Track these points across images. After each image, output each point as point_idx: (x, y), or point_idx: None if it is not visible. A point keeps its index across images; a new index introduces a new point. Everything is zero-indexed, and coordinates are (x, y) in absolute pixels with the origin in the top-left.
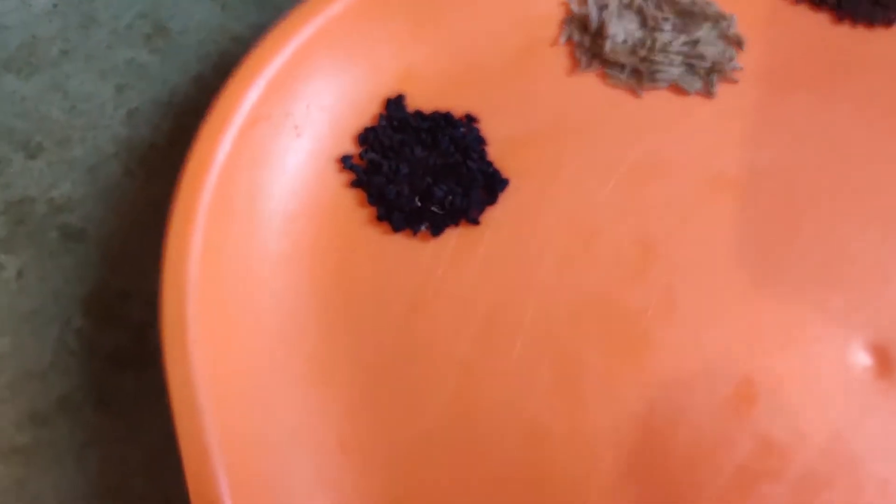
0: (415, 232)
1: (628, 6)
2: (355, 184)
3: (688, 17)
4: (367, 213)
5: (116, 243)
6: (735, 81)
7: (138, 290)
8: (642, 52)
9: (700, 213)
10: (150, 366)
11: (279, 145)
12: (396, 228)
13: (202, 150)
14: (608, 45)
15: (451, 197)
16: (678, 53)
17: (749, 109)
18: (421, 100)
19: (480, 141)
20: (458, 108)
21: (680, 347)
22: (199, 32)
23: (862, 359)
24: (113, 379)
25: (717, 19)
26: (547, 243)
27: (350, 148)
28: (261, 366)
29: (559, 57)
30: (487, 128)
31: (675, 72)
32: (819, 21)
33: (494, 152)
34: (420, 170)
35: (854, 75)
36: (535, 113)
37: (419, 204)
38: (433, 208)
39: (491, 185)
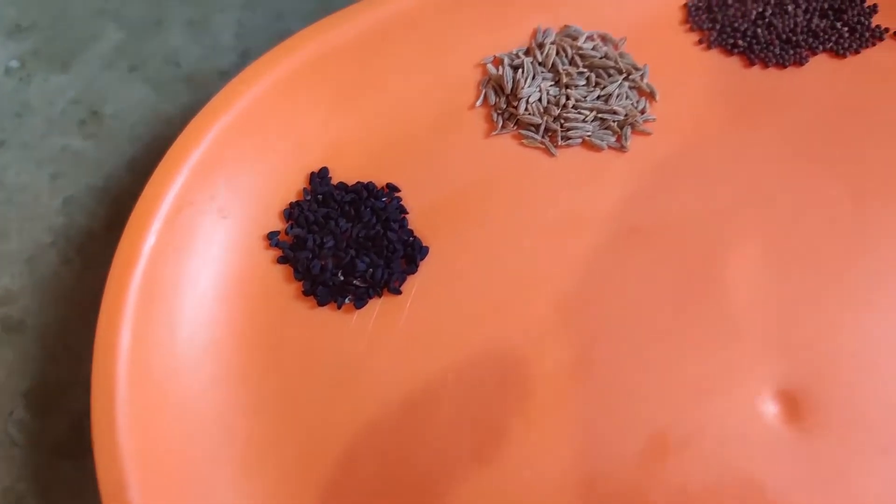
0: (339, 305)
1: (542, 63)
2: (282, 260)
3: (601, 71)
4: (295, 287)
5: (56, 333)
6: (648, 133)
7: (78, 380)
8: (555, 111)
9: (615, 268)
10: (90, 455)
11: (205, 230)
12: (321, 303)
13: (128, 242)
14: (521, 107)
15: (372, 269)
16: (591, 109)
17: (662, 160)
18: (345, 171)
19: (402, 210)
20: (381, 177)
21: (595, 405)
22: (131, 115)
23: (770, 407)
24: (55, 469)
25: (630, 71)
26: (467, 308)
27: (277, 224)
28: (194, 453)
29: (477, 119)
30: (409, 195)
31: (588, 128)
32: (731, 65)
33: (416, 220)
34: (344, 242)
35: (766, 117)
36: (454, 178)
37: (342, 278)
38: (355, 282)
39: (411, 254)
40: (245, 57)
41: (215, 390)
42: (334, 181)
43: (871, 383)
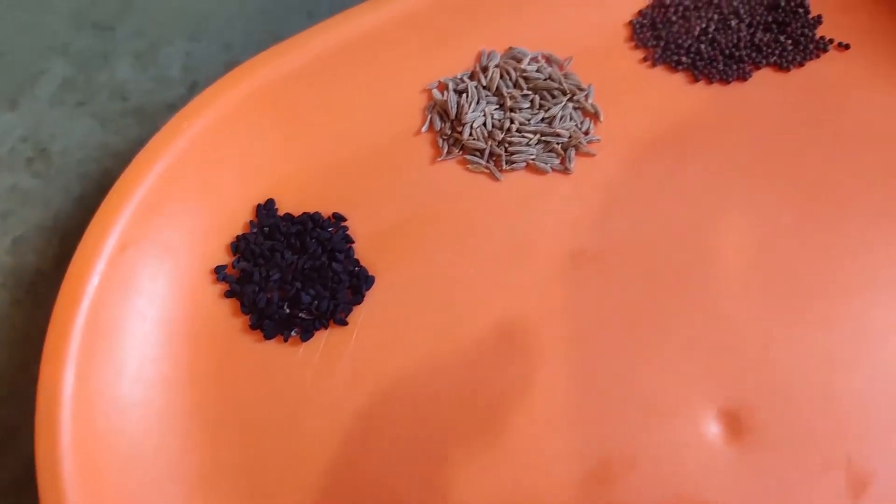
0: (285, 339)
1: (487, 87)
2: (229, 294)
3: (545, 92)
4: (242, 321)
5: (6, 375)
6: (592, 155)
7: (28, 422)
8: (499, 136)
9: (561, 292)
10: None
11: (150, 267)
12: (268, 336)
13: (70, 284)
14: (466, 132)
15: (317, 301)
16: (534, 132)
17: (607, 181)
18: (292, 202)
19: (347, 240)
20: (328, 206)
21: (541, 429)
22: (79, 152)
23: (713, 427)
24: None
25: (574, 92)
26: (413, 337)
27: (224, 258)
28: (143, 492)
29: (423, 145)
30: (356, 224)
31: (532, 151)
32: (676, 83)
33: (362, 248)
34: (290, 275)
35: (710, 134)
36: (400, 205)
37: (288, 311)
38: (301, 314)
39: (357, 284)
40: (193, 89)
41: (163, 428)
42: (281, 212)
43: (811, 400)
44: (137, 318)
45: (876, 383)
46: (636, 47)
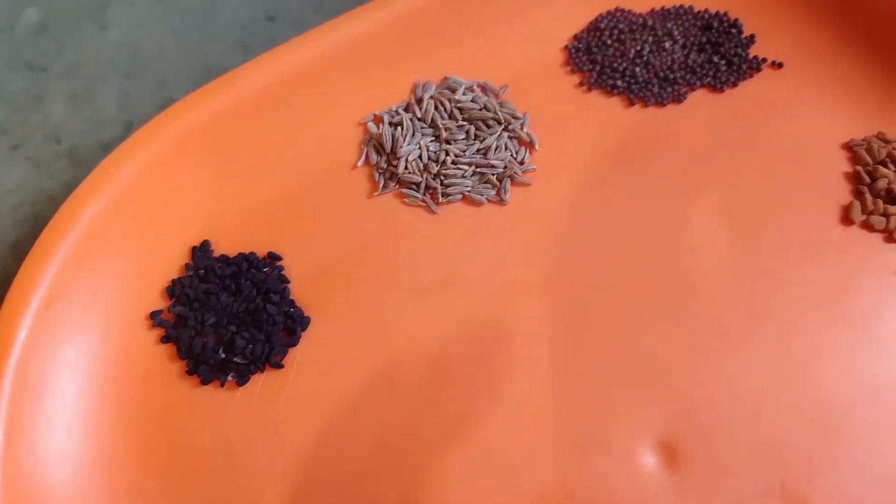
0: (222, 384)
1: (422, 119)
2: (165, 339)
3: (480, 123)
4: (179, 366)
5: None
6: (527, 185)
7: None
8: (434, 168)
9: (496, 324)
10: None
11: (81, 317)
12: (204, 382)
13: None
14: (401, 166)
15: (252, 345)
16: (469, 164)
17: (542, 210)
18: (228, 242)
19: (283, 280)
20: (264, 245)
21: (477, 465)
22: (13, 196)
23: (650, 458)
24: None
25: (509, 121)
26: (350, 377)
27: (159, 302)
28: None
29: (360, 180)
30: (291, 263)
31: (468, 183)
32: (612, 107)
33: (298, 288)
34: (225, 318)
35: (646, 157)
36: (336, 242)
37: (223, 355)
38: (236, 359)
39: (291, 326)
40: (129, 129)
41: (99, 482)
42: (217, 253)
43: (745, 428)
44: (68, 372)
45: (807, 408)
46: (572, 72)
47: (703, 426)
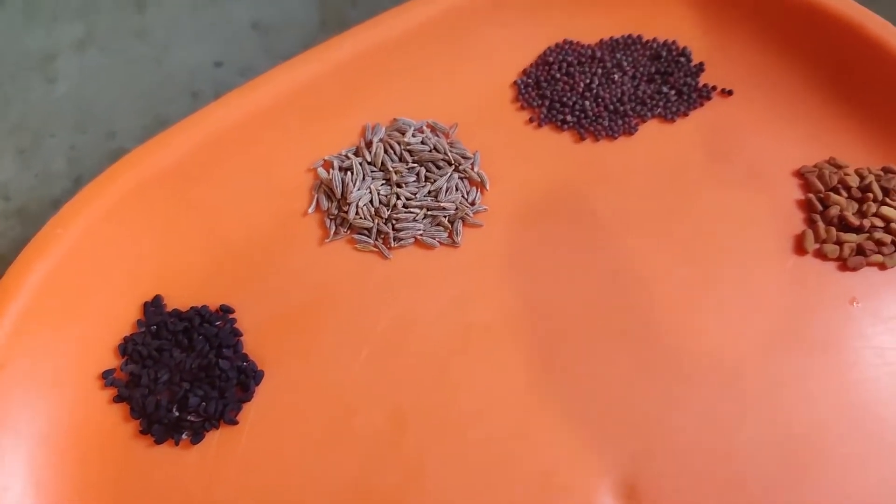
0: (176, 442)
1: (372, 162)
2: (118, 399)
3: (430, 164)
4: (133, 426)
5: None
6: (479, 225)
7: None
8: (385, 213)
9: (453, 369)
10: None
11: (30, 383)
12: (158, 441)
13: None
14: (352, 211)
15: (205, 403)
16: (421, 207)
17: (494, 251)
18: (181, 295)
19: (235, 333)
20: (217, 297)
21: None
22: None
23: (608, 499)
24: None
25: (460, 162)
26: (304, 431)
27: (112, 360)
28: None
29: (312, 227)
30: (245, 315)
31: (419, 227)
32: (562, 142)
33: (251, 341)
34: (178, 375)
35: (598, 192)
36: (289, 292)
37: (177, 413)
38: (190, 417)
39: (245, 381)
40: (78, 183)
41: None
42: (170, 307)
43: (704, 462)
44: (16, 441)
45: (768, 441)
46: (522, 108)
47: (663, 465)
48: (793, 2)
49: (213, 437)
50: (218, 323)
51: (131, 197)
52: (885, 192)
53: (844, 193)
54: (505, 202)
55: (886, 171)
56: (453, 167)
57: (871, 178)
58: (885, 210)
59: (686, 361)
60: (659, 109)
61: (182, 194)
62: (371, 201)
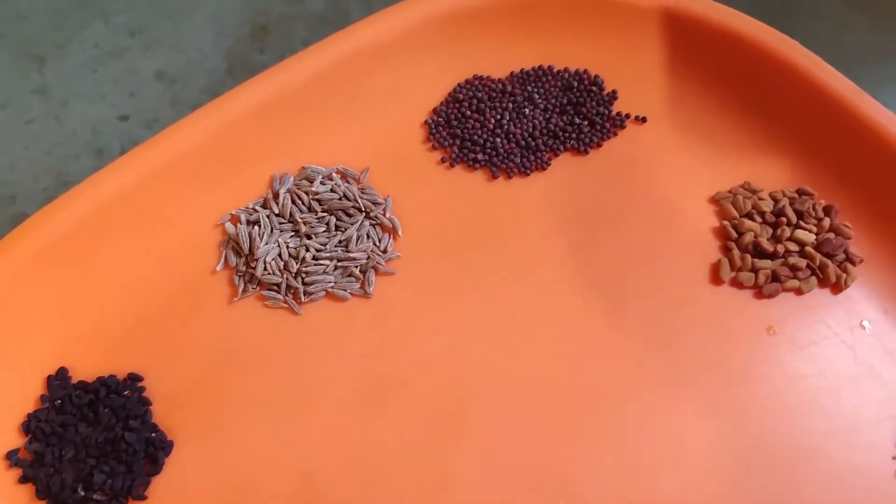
0: None
1: (280, 214)
2: (23, 480)
3: (340, 213)
4: None
5: None
6: (392, 273)
7: None
8: (294, 267)
9: (364, 428)
10: None
11: None
12: None
13: None
14: (260, 268)
15: (110, 480)
16: (331, 259)
17: (408, 300)
18: (87, 366)
19: (144, 402)
20: (124, 365)
21: None
22: None
23: None
24: None
25: (370, 208)
26: (216, 497)
27: (17, 439)
28: None
29: (220, 285)
30: (154, 382)
31: (330, 279)
32: (475, 181)
33: (161, 409)
34: (84, 451)
35: (510, 231)
36: (199, 355)
37: (83, 493)
38: (96, 496)
39: (153, 453)
40: None
41: None
42: (76, 378)
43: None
44: None
45: (688, 475)
46: (433, 148)
47: None
48: (702, 26)
49: None
50: (126, 392)
51: (31, 265)
52: (800, 215)
53: (759, 219)
54: (418, 248)
55: (801, 192)
56: (364, 214)
57: (784, 201)
58: (800, 233)
59: (602, 400)
60: (572, 142)
61: (85, 258)
62: (279, 255)
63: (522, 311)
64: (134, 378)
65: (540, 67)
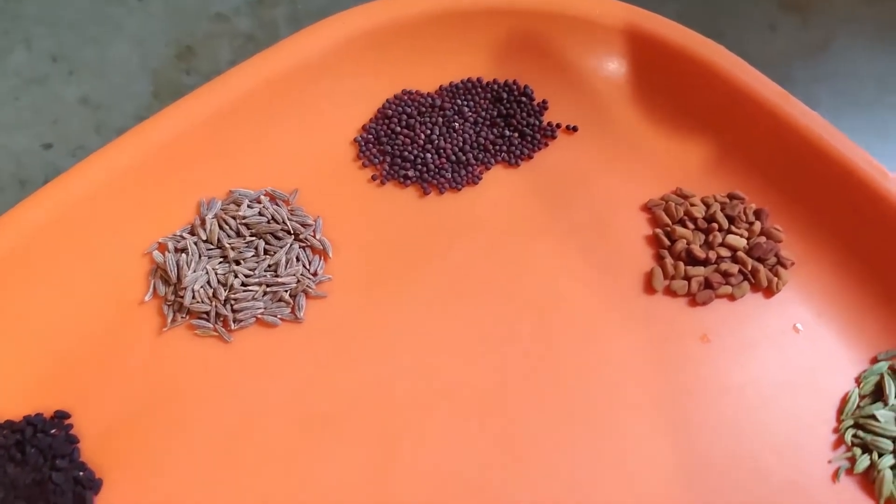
0: None
1: (207, 241)
2: None
3: (269, 236)
4: None
5: None
6: (323, 297)
7: None
8: (223, 294)
9: (302, 460)
10: None
11: None
12: None
13: None
14: (187, 296)
15: None
16: (260, 284)
17: (340, 324)
18: (13, 406)
19: (72, 440)
20: (52, 402)
21: None
22: None
23: None
24: None
25: (300, 230)
26: None
27: None
28: None
29: (149, 316)
30: (82, 419)
31: (259, 305)
32: (407, 198)
33: (90, 447)
34: (13, 492)
35: (444, 249)
36: (129, 389)
37: None
38: None
39: (81, 493)
40: None
41: None
42: (2, 418)
43: None
44: None
45: (627, 493)
46: (364, 166)
47: None
48: (628, 33)
49: None
50: (52, 431)
51: None
52: (731, 220)
53: (691, 225)
54: (349, 269)
55: (732, 197)
56: (293, 237)
57: (716, 206)
58: (731, 239)
59: (538, 417)
60: (503, 154)
61: (7, 294)
62: (208, 283)
63: (457, 328)
64: (61, 416)
65: (469, 80)
